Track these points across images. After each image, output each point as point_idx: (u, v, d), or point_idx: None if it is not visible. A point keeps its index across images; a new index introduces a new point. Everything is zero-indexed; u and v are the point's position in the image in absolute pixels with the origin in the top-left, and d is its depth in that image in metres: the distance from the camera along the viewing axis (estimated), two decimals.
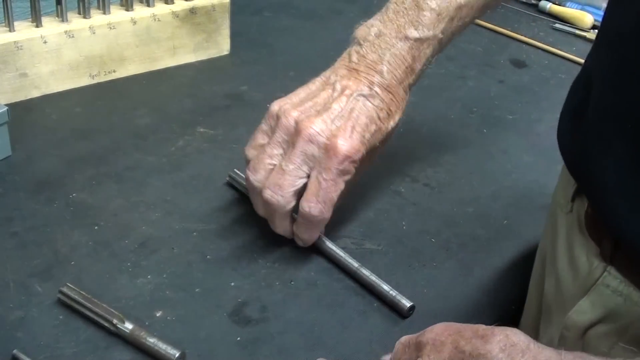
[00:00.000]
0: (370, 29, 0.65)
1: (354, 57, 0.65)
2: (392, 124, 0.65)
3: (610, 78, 0.55)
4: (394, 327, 0.61)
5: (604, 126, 0.55)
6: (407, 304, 0.61)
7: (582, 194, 0.63)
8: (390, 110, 0.64)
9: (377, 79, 0.63)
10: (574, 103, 0.63)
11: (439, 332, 0.45)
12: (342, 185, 0.61)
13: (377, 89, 0.63)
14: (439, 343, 0.44)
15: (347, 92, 0.63)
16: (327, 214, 0.62)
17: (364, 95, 0.63)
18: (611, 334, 0.58)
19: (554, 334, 0.64)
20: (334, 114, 0.61)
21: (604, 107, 0.56)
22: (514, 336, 0.42)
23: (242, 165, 0.67)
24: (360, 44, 0.65)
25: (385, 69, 0.64)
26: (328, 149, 0.60)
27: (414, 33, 0.64)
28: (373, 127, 0.62)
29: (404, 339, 0.49)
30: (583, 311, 0.60)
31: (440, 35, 0.66)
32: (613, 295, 0.57)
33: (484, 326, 0.44)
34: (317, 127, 0.60)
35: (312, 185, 0.60)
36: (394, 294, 0.61)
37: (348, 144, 0.60)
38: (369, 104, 0.62)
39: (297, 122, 0.61)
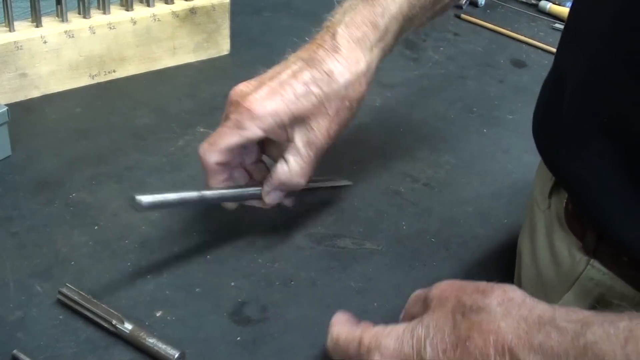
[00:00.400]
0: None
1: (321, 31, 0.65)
2: (335, 86, 0.62)
3: (584, 74, 0.55)
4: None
5: (580, 122, 0.55)
6: None
7: (559, 190, 0.63)
8: (331, 71, 0.62)
9: (327, 41, 0.62)
10: (548, 99, 0.64)
11: (444, 288, 0.48)
12: (236, 138, 0.60)
13: (321, 52, 0.62)
14: (444, 298, 0.47)
15: (291, 59, 0.63)
16: (211, 157, 0.61)
17: (303, 59, 0.62)
18: None
19: None
20: (264, 80, 0.62)
21: (579, 103, 0.56)
22: (511, 292, 0.45)
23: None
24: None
25: (340, 30, 0.63)
26: (236, 103, 0.61)
27: None
28: (301, 89, 0.60)
29: (416, 293, 0.52)
30: (568, 305, 0.60)
31: None
32: (596, 288, 0.57)
33: (485, 282, 0.46)
34: (238, 88, 0.62)
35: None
36: None
37: (255, 101, 0.60)
38: (304, 67, 0.61)
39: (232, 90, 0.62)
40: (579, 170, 0.55)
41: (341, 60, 0.62)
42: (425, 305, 0.48)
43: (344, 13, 0.64)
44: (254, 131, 0.60)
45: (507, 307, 0.43)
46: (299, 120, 0.61)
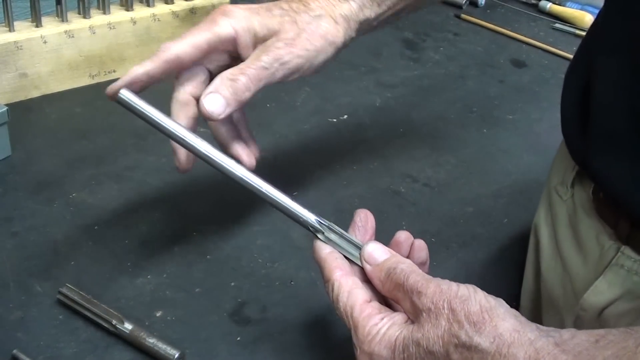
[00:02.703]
0: None
1: None
2: (312, 22, 0.59)
3: (619, 77, 0.57)
4: None
5: (613, 121, 0.57)
6: None
7: (582, 180, 0.64)
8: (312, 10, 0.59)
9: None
10: (575, 98, 0.64)
11: (436, 300, 0.46)
12: (205, 33, 0.56)
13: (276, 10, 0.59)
14: (434, 316, 0.46)
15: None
16: (175, 47, 0.55)
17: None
18: (630, 312, 0.60)
19: (565, 317, 0.66)
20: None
21: (612, 103, 0.58)
22: (502, 326, 0.45)
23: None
24: None
25: None
26: (213, 12, 0.58)
27: None
28: (279, 11, 0.58)
29: (397, 276, 0.49)
30: (600, 292, 0.62)
31: None
32: (629, 275, 0.60)
33: (474, 305, 0.45)
34: None
35: None
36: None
37: (232, 7, 0.57)
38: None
39: None
40: (610, 164, 0.57)
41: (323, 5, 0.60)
42: (413, 308, 0.48)
43: None
44: (224, 27, 0.56)
45: (497, 346, 0.44)
46: (269, 33, 0.57)
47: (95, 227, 0.67)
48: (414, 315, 0.48)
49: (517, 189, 0.83)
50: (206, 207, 0.72)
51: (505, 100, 1.02)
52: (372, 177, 0.81)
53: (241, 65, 0.55)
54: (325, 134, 0.88)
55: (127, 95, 0.53)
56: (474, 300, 0.46)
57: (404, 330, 0.47)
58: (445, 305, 0.46)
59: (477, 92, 1.04)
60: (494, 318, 0.45)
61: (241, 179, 0.54)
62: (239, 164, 0.55)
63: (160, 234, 0.67)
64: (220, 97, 0.53)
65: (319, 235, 0.53)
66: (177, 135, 0.54)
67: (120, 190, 0.73)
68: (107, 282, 0.61)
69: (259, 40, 0.57)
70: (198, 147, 0.55)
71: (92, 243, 0.65)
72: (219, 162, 0.54)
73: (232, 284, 0.63)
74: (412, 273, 0.49)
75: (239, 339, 0.58)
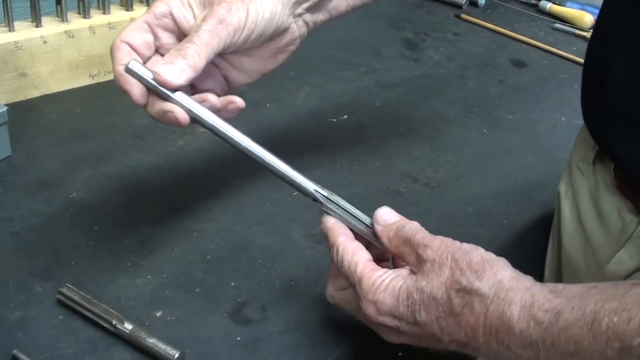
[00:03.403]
0: None
1: None
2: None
3: (636, 66, 0.60)
4: None
5: (629, 107, 0.61)
6: None
7: (603, 158, 0.68)
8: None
9: None
10: (593, 87, 0.67)
11: (440, 252, 0.51)
12: (144, 16, 0.58)
13: None
14: (437, 266, 0.50)
15: None
16: (124, 35, 0.58)
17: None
18: None
19: None
20: None
21: (628, 92, 0.61)
22: (501, 273, 0.49)
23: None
24: None
25: None
26: None
27: None
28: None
29: (405, 233, 0.53)
30: (622, 262, 0.65)
31: None
32: None
33: (475, 256, 0.50)
34: None
35: None
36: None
37: None
38: None
39: None
40: (629, 146, 0.61)
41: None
42: (418, 261, 0.51)
43: None
44: (158, 5, 0.58)
45: (496, 290, 0.48)
46: (205, 4, 0.58)
47: (95, 227, 0.67)
48: (418, 268, 0.52)
49: (517, 189, 0.83)
50: (206, 207, 0.72)
51: (505, 100, 1.02)
52: (372, 177, 0.81)
53: (186, 38, 0.57)
54: (325, 134, 0.88)
55: (133, 66, 0.55)
56: (476, 252, 0.50)
57: (407, 280, 0.51)
58: (449, 256, 0.50)
59: (477, 92, 1.04)
60: (493, 267, 0.49)
61: (246, 148, 0.56)
62: (244, 135, 0.57)
63: (160, 234, 0.67)
64: (172, 65, 0.55)
65: (320, 205, 0.57)
66: (183, 105, 0.56)
67: (120, 190, 0.73)
68: (107, 282, 0.61)
69: (198, 13, 0.58)
70: (204, 117, 0.56)
71: (92, 243, 0.65)
72: (223, 130, 0.56)
73: (232, 284, 0.63)
74: (419, 231, 0.53)
75: (239, 339, 0.58)
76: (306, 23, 0.65)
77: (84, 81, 0.90)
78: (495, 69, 1.12)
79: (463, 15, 1.29)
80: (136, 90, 0.56)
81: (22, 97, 0.85)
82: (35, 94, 0.86)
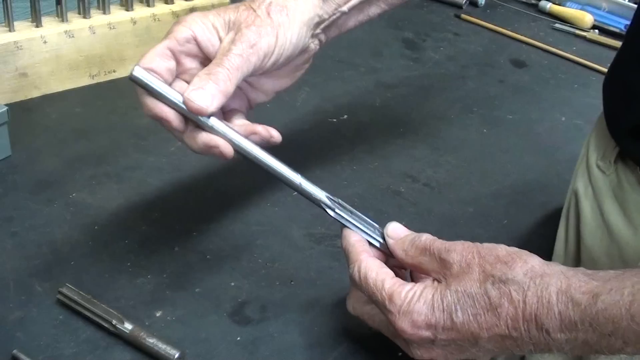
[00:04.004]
0: None
1: None
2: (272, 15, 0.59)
3: None
4: None
5: None
6: None
7: (626, 158, 0.68)
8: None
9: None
10: (615, 100, 0.69)
11: (464, 253, 0.51)
12: (164, 42, 0.57)
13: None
14: (465, 265, 0.51)
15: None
16: (143, 61, 0.55)
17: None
18: None
19: None
20: None
21: None
22: (531, 260, 0.50)
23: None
24: None
25: None
26: None
27: None
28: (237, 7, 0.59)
29: (423, 242, 0.54)
30: None
31: None
32: None
33: (501, 250, 0.51)
34: None
35: None
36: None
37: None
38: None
39: None
40: None
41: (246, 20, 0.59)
42: (443, 266, 0.52)
43: None
44: (181, 30, 0.56)
45: (531, 276, 0.49)
46: (231, 26, 0.58)
47: (95, 227, 0.67)
48: (443, 273, 0.52)
49: (517, 189, 0.83)
50: (206, 207, 0.72)
51: (505, 100, 1.02)
52: (372, 177, 0.81)
53: (214, 61, 0.56)
54: (325, 134, 0.88)
55: (138, 73, 0.54)
56: (500, 247, 0.51)
57: (438, 287, 0.51)
58: (475, 254, 0.51)
59: (477, 92, 1.04)
60: (522, 257, 0.50)
61: (255, 157, 0.55)
62: (254, 144, 0.56)
63: (160, 234, 0.67)
64: (203, 91, 0.53)
65: (329, 212, 0.57)
66: (196, 118, 0.54)
67: (120, 190, 0.73)
68: (107, 282, 0.61)
69: (222, 28, 0.58)
70: (217, 127, 0.54)
71: (92, 243, 0.65)
72: (237, 141, 0.55)
73: (232, 284, 0.63)
74: (436, 240, 0.54)
75: (239, 339, 0.58)
76: (320, 41, 0.65)
77: (84, 81, 0.90)
78: (495, 69, 1.12)
79: (463, 15, 1.29)
80: (171, 115, 0.55)
81: (22, 97, 0.85)
82: (35, 94, 0.86)
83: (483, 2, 1.35)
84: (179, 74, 0.58)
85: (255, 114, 0.88)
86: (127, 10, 0.91)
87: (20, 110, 0.82)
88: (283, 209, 0.73)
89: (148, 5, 0.93)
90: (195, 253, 0.66)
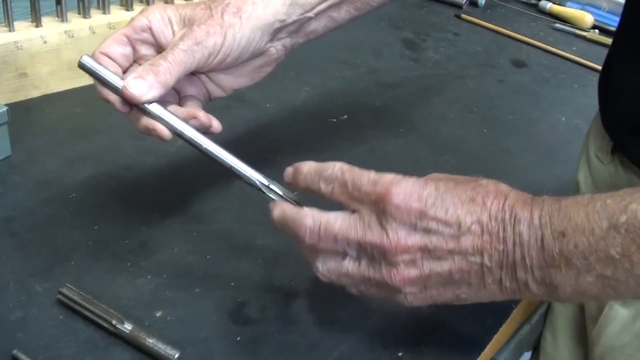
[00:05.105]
0: None
1: None
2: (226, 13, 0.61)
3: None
4: (394, 326, 0.61)
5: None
6: None
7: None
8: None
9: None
10: (606, 101, 0.69)
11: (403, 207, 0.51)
12: (123, 30, 0.61)
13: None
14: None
15: None
16: (102, 46, 0.60)
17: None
18: None
19: None
20: None
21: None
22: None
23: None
24: None
25: None
26: None
27: None
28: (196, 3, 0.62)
29: (345, 177, 0.55)
30: None
31: None
32: None
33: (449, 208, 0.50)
34: None
35: None
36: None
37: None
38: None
39: None
40: None
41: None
42: (381, 212, 0.51)
43: None
44: (139, 19, 0.60)
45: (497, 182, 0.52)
46: (186, 22, 0.61)
47: (95, 227, 0.67)
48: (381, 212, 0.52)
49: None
50: (206, 207, 0.72)
51: (505, 100, 1.02)
52: None
53: (161, 54, 0.59)
54: (325, 134, 0.88)
55: (86, 61, 0.58)
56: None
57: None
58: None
59: (477, 92, 1.04)
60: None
61: (191, 139, 0.59)
62: (192, 128, 0.59)
63: (160, 234, 0.67)
64: (142, 80, 0.57)
65: (264, 190, 0.60)
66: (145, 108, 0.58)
67: (120, 191, 0.73)
68: (107, 282, 0.61)
69: (177, 30, 0.61)
70: (154, 112, 0.58)
71: (92, 243, 0.65)
72: (174, 125, 0.59)
73: (232, 284, 0.63)
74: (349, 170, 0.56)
75: (238, 339, 0.58)
76: (284, 47, 0.66)
77: (84, 81, 0.89)
78: (495, 69, 1.12)
79: (463, 15, 1.29)
80: (113, 98, 0.59)
81: (22, 97, 0.85)
82: (35, 94, 0.86)
83: (483, 2, 1.35)
84: (137, 59, 0.62)
85: (255, 114, 0.88)
86: (127, 10, 0.91)
87: (20, 110, 0.82)
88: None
89: (148, 5, 0.92)
90: (195, 253, 0.66)
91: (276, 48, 0.66)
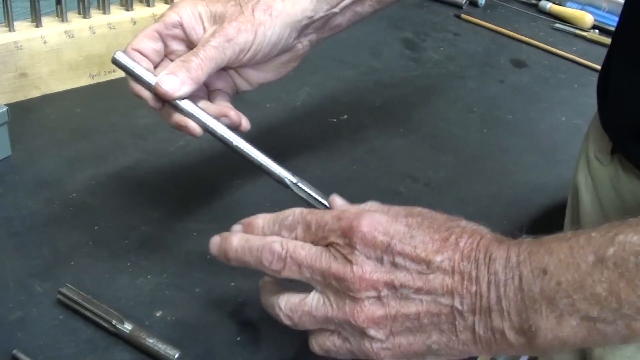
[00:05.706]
0: None
1: None
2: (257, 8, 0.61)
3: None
4: None
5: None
6: None
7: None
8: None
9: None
10: (606, 102, 0.69)
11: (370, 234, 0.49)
12: (154, 25, 0.60)
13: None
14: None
15: None
16: (134, 43, 0.60)
17: None
18: None
19: None
20: None
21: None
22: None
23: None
24: None
25: None
26: None
27: None
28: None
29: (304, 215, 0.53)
30: None
31: None
32: None
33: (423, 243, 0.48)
34: None
35: None
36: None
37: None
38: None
39: None
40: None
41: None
42: (348, 242, 0.49)
43: None
44: (170, 15, 0.60)
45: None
46: (217, 19, 0.61)
47: (95, 227, 0.67)
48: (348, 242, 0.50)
49: (517, 189, 0.83)
50: (206, 207, 0.72)
51: (505, 100, 1.02)
52: (372, 177, 0.81)
53: (193, 50, 0.59)
54: (325, 134, 0.88)
55: (119, 57, 0.59)
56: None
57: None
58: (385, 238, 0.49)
59: (477, 92, 1.04)
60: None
61: (222, 136, 0.59)
62: (223, 125, 0.59)
63: (160, 234, 0.67)
64: (175, 77, 0.57)
65: (293, 188, 0.60)
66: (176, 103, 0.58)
67: (120, 190, 0.73)
68: (107, 282, 0.61)
69: (208, 20, 0.61)
70: (186, 109, 0.58)
71: (92, 243, 0.65)
72: (205, 122, 0.58)
73: (232, 284, 0.63)
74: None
75: (239, 339, 0.58)
76: (310, 42, 0.67)
77: (84, 81, 0.90)
78: (495, 69, 1.12)
79: (463, 15, 1.29)
80: (146, 94, 0.58)
81: (22, 97, 0.85)
82: (35, 94, 0.86)
83: (483, 2, 1.35)
84: (168, 54, 0.62)
85: (255, 114, 0.88)
86: (127, 10, 0.91)
87: (20, 110, 0.82)
88: (284, 209, 0.73)
89: (148, 5, 0.93)
90: (195, 253, 0.66)
91: (302, 44, 0.66)
